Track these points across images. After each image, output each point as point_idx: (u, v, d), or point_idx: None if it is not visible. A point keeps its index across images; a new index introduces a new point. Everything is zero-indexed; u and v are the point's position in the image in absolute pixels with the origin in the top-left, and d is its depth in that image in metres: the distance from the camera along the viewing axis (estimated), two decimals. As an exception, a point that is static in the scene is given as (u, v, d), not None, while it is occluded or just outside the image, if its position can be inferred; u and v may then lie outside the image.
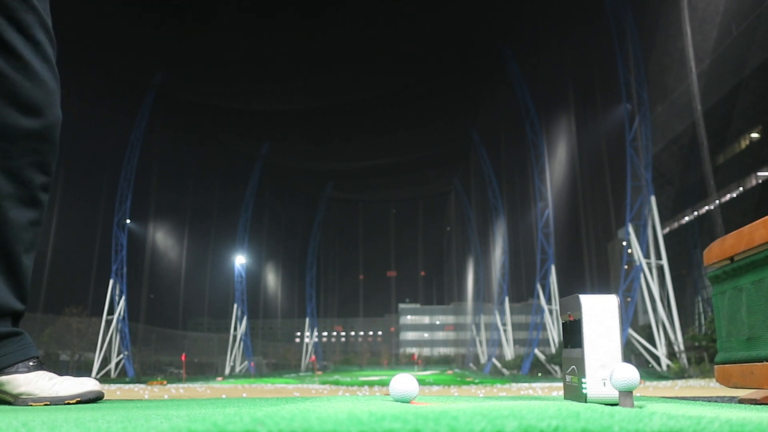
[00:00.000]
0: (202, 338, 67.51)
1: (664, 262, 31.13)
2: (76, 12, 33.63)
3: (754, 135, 30.33)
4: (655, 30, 31.83)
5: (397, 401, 1.11)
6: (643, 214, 31.30)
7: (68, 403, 1.62)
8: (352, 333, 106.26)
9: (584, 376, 1.26)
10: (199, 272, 63.43)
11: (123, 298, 43.51)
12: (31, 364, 1.65)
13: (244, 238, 61.32)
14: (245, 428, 0.54)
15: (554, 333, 42.13)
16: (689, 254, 35.01)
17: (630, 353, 32.09)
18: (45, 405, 1.60)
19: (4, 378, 1.61)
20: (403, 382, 1.11)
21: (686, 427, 0.57)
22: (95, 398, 1.70)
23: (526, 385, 16.82)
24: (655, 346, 30.80)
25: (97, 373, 41.05)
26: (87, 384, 1.70)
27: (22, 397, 1.61)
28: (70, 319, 43.66)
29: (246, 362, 59.16)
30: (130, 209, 44.33)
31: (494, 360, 52.94)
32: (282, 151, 63.50)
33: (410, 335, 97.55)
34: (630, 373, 1.10)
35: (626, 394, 1.12)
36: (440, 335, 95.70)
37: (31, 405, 1.59)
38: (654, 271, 31.50)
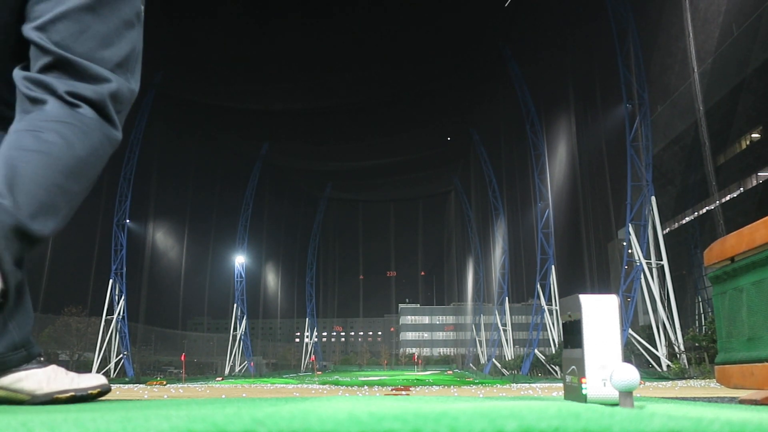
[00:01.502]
0: (202, 338, 67.56)
1: (665, 262, 31.14)
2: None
3: (755, 135, 30.33)
4: (657, 30, 31.83)
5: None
6: (643, 215, 31.31)
7: (91, 395, 1.67)
8: (352, 333, 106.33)
9: (584, 376, 1.26)
10: (199, 272, 63.47)
11: (123, 298, 43.52)
12: (42, 359, 1.66)
13: (244, 238, 61.35)
14: (245, 428, 0.54)
15: (554, 333, 42.13)
16: (690, 254, 35.00)
17: (630, 353, 32.09)
18: (70, 396, 1.62)
19: (21, 374, 1.58)
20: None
21: (686, 427, 0.57)
22: (108, 390, 1.76)
23: (526, 385, 16.83)
24: (655, 346, 30.81)
25: (97, 373, 41.04)
26: (100, 378, 1.75)
27: (42, 391, 1.60)
28: (69, 318, 43.67)
29: (246, 362, 59.18)
30: (129, 209, 44.35)
31: (494, 360, 52.95)
32: (282, 151, 63.53)
33: (410, 335, 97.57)
34: (630, 374, 1.10)
35: (626, 394, 1.11)
36: (440, 335, 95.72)
37: (56, 398, 1.60)
38: (654, 271, 31.51)
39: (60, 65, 1.27)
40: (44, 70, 1.28)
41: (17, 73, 1.30)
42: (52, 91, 1.26)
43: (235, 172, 62.73)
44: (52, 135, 1.22)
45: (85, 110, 1.28)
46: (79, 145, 1.25)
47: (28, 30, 1.31)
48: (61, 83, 1.26)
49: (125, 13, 1.38)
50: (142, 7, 1.50)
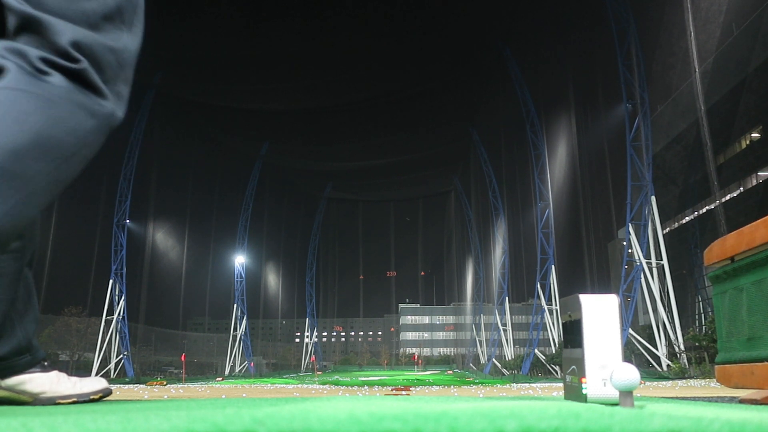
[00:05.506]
0: (202, 338, 67.58)
1: (665, 262, 31.13)
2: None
3: (755, 135, 30.33)
4: (657, 29, 31.84)
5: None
6: (643, 214, 31.30)
7: (93, 399, 1.70)
8: (352, 333, 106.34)
9: (584, 376, 1.26)
10: (199, 272, 63.46)
11: (122, 298, 43.52)
12: (45, 364, 1.67)
13: (244, 238, 61.35)
14: (245, 428, 0.54)
15: (554, 333, 42.13)
16: (690, 254, 35.00)
17: (630, 353, 32.08)
18: (73, 402, 1.64)
19: (26, 377, 1.60)
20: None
21: (687, 427, 0.57)
22: (109, 394, 1.79)
23: (526, 385, 16.83)
24: (655, 346, 30.79)
25: (97, 374, 41.02)
26: (102, 381, 1.79)
27: (45, 395, 1.61)
28: (69, 319, 43.70)
29: (246, 362, 59.18)
30: (129, 209, 44.34)
31: (494, 360, 52.94)
32: (282, 151, 63.51)
33: (410, 335, 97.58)
34: (630, 374, 1.10)
35: (626, 394, 1.11)
36: (440, 335, 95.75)
37: (58, 403, 1.62)
38: (654, 271, 31.50)
39: (29, 25, 1.09)
40: (16, 33, 1.10)
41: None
42: (22, 56, 1.07)
43: (235, 172, 62.75)
44: None
45: (54, 77, 1.08)
46: (36, 117, 1.03)
47: None
48: (34, 49, 1.08)
49: None
50: None
